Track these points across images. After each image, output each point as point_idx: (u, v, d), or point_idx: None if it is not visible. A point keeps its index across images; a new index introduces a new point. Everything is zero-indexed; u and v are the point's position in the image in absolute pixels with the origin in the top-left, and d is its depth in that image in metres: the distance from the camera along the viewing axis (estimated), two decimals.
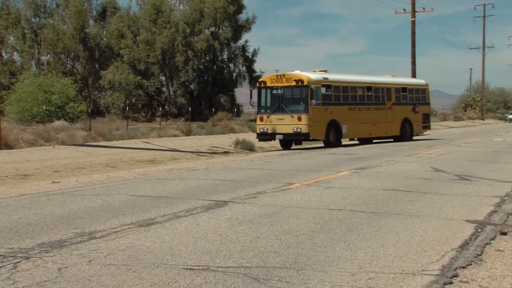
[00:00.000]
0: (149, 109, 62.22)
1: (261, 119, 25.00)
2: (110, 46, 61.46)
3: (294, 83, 24.27)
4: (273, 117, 24.54)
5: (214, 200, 9.65)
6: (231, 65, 62.87)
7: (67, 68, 62.89)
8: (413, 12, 49.82)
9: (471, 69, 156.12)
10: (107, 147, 23.56)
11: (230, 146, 26.17)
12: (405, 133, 29.51)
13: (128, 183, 12.48)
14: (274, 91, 24.97)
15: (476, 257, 6.12)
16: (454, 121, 68.66)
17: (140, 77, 58.15)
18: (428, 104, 32.10)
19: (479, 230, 7.38)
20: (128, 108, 51.85)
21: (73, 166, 18.08)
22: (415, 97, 30.51)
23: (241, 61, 62.73)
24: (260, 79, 26.45)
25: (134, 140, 27.34)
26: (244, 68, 62.56)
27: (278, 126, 24.38)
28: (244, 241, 6.68)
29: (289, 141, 25.36)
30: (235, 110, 55.12)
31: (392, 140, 29.21)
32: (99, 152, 21.82)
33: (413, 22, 49.72)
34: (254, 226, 7.49)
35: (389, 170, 14.23)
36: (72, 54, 62.39)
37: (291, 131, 24.07)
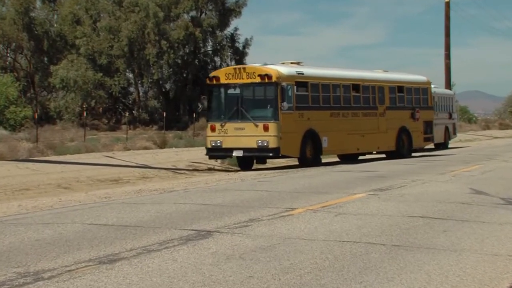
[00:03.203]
0: (113, 115, 62.17)
1: (213, 129, 23.51)
2: (63, 34, 61.46)
3: (258, 79, 22.80)
4: (230, 126, 23.12)
5: (195, 230, 9.65)
6: (216, 58, 63.00)
7: (7, 63, 62.85)
8: None
9: None
10: (59, 162, 23.52)
11: (216, 161, 26.17)
12: (402, 147, 28.39)
13: (85, 209, 12.45)
14: (231, 91, 23.59)
15: None
16: (500, 130, 68.88)
17: (101, 74, 58.16)
18: (431, 108, 31.15)
19: None
20: (86, 113, 51.81)
21: (14, 187, 18.02)
22: (415, 99, 29.46)
23: (229, 53, 62.83)
24: (211, 74, 24.83)
25: (93, 154, 27.29)
26: (233, 63, 62.64)
27: (237, 139, 22.95)
28: (233, 282, 6.67)
29: (250, 159, 24.17)
30: None
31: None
32: (49, 169, 21.76)
33: (447, 5, 50.01)
34: (246, 263, 7.49)
35: (416, 192, 14.26)
36: (14, 44, 62.35)
37: (255, 145, 22.67)
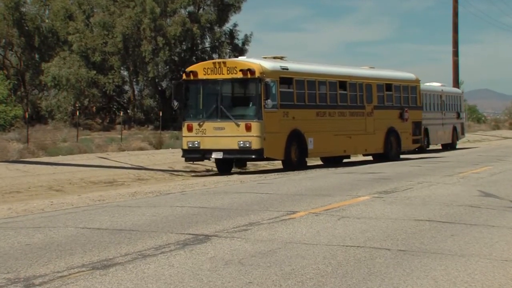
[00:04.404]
0: (107, 114, 62.15)
1: (190, 129, 22.76)
2: (55, 30, 61.45)
3: (240, 75, 22.02)
4: (208, 125, 22.40)
5: (193, 234, 9.65)
6: (215, 56, 62.89)
7: None
8: None
9: None
10: (51, 164, 23.52)
11: (214, 162, 26.15)
12: (390, 150, 27.78)
13: (78, 212, 12.46)
14: (210, 87, 22.82)
15: None
16: (510, 130, 68.92)
17: (94, 72, 58.13)
18: (420, 108, 30.58)
19: None
20: (79, 113, 51.83)
21: (4, 190, 18.03)
22: (403, 98, 28.96)
23: (228, 50, 62.80)
24: (188, 69, 23.74)
25: (86, 155, 27.30)
26: None
27: (216, 139, 22.24)
28: None
29: (229, 162, 23.57)
30: None
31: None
32: (40, 170, 21.77)
33: None
34: (245, 269, 7.49)
35: (423, 195, 14.27)
36: (4, 40, 62.33)
37: (236, 147, 21.97)
